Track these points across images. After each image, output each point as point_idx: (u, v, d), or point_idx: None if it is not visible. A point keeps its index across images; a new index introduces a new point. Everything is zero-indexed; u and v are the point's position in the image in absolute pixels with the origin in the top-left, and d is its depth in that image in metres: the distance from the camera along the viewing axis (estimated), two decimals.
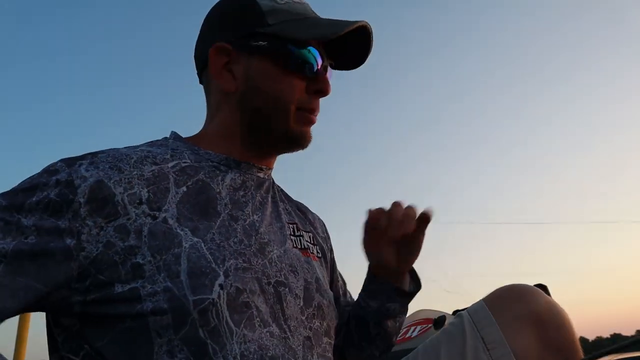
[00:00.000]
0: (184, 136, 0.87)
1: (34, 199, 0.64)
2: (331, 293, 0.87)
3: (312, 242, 0.91)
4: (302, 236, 0.88)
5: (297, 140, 0.84)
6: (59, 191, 0.65)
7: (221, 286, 0.66)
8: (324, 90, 0.84)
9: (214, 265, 0.68)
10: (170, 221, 0.69)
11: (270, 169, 0.89)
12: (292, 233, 0.86)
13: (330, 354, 0.80)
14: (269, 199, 0.86)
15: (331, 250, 1.02)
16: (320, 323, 0.79)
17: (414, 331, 1.70)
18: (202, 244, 0.69)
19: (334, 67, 0.90)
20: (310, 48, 0.82)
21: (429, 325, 1.71)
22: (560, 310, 0.84)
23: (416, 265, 0.96)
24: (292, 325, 0.73)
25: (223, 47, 0.82)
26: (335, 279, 1.02)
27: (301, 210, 0.99)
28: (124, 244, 0.66)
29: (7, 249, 0.61)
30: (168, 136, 0.87)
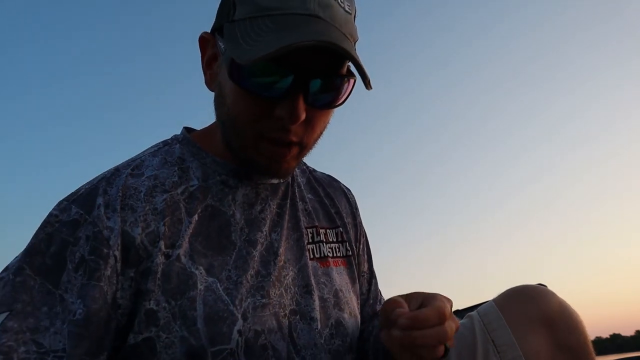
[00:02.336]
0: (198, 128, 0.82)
1: (69, 267, 0.62)
2: (355, 301, 0.84)
3: (338, 239, 0.87)
4: (323, 241, 0.84)
5: (259, 172, 0.75)
6: (91, 248, 0.63)
7: (240, 332, 0.65)
8: (285, 119, 0.65)
9: (231, 307, 0.66)
10: (184, 259, 0.66)
11: None
12: (310, 240, 0.82)
13: None
14: (287, 205, 0.81)
15: (359, 240, 0.94)
16: (342, 341, 0.77)
17: None
18: (218, 284, 0.67)
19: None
20: (273, 65, 0.63)
21: None
22: (572, 312, 0.81)
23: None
24: (308, 355, 0.71)
25: (207, 38, 0.75)
26: (359, 274, 0.93)
27: (329, 196, 0.91)
28: (142, 288, 0.64)
29: (64, 342, 0.59)
30: (179, 133, 0.82)
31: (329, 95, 0.68)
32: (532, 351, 0.79)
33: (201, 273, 0.66)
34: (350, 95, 0.71)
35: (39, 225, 0.66)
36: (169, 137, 0.82)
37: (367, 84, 0.65)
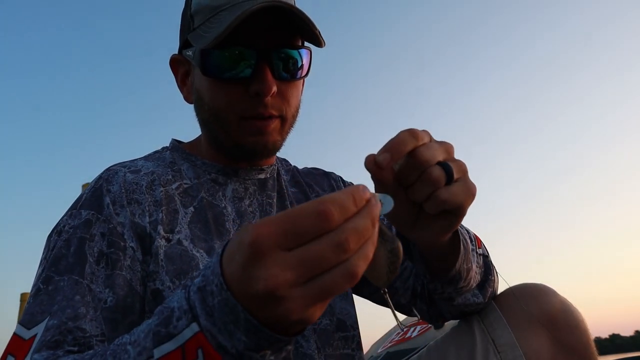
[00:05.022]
0: (186, 141, 0.89)
1: (90, 260, 0.66)
2: None
3: None
4: None
5: (250, 153, 0.79)
6: (108, 243, 0.67)
7: None
8: (259, 92, 0.73)
9: None
10: (185, 242, 0.72)
11: (272, 165, 0.87)
12: None
13: (347, 349, 0.81)
14: (274, 198, 0.85)
15: None
16: (330, 320, 0.79)
17: (413, 331, 1.67)
18: None
19: (308, 40, 0.77)
20: (238, 48, 0.72)
21: (429, 325, 1.68)
22: (574, 311, 0.80)
23: None
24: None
25: (176, 59, 0.85)
26: None
27: (309, 184, 0.95)
28: (148, 270, 0.69)
29: (102, 327, 0.62)
30: (168, 145, 0.88)
31: (292, 67, 0.76)
32: (533, 351, 0.77)
33: (202, 255, 0.72)
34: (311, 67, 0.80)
35: (51, 237, 0.70)
36: (159, 148, 0.88)
37: (318, 39, 0.74)
